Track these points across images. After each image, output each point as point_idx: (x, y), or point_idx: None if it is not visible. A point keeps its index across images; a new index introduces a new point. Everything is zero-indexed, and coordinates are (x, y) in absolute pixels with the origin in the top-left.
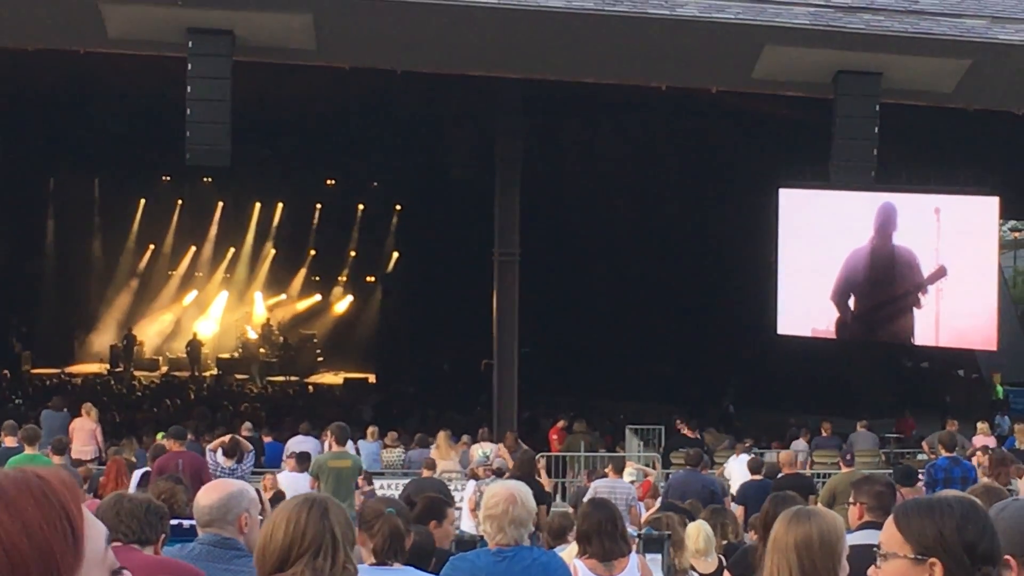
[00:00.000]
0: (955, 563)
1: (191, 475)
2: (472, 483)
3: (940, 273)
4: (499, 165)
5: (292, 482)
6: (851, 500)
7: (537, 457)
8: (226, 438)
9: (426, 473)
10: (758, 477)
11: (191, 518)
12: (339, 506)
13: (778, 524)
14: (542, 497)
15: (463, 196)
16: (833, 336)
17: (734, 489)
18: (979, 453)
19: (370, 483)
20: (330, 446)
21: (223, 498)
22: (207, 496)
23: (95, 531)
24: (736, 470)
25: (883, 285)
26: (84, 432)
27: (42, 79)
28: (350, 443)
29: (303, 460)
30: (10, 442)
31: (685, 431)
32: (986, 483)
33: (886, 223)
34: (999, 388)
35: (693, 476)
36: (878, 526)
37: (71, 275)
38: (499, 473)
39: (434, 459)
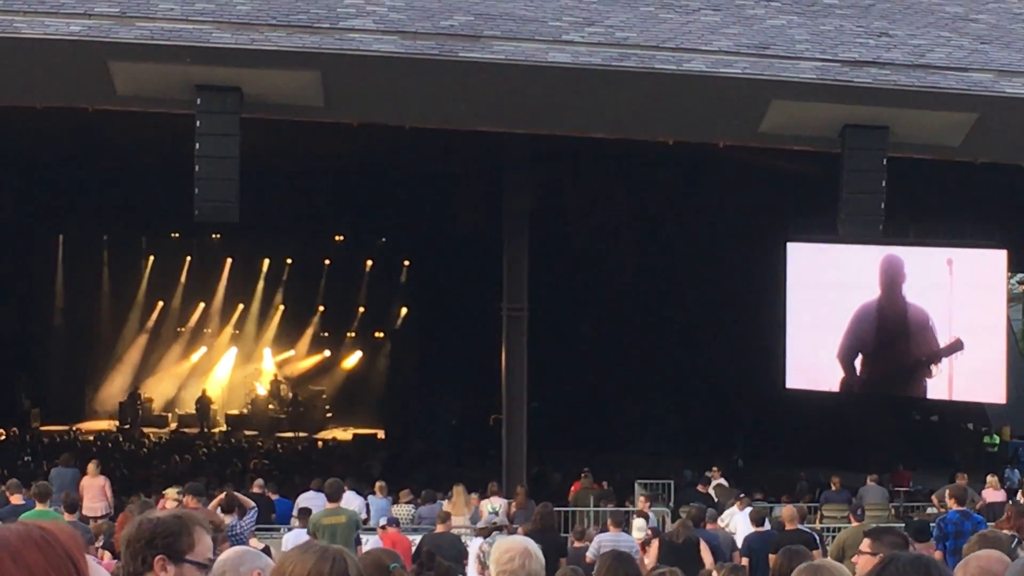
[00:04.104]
0: None
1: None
2: (477, 540)
3: (956, 347)
4: (507, 220)
5: (298, 539)
6: (869, 550)
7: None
8: (222, 495)
9: (440, 528)
10: (761, 529)
11: None
12: (354, 558)
13: None
14: (563, 550)
15: (471, 251)
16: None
17: (739, 541)
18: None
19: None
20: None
21: (240, 553)
22: (224, 552)
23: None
24: (740, 523)
25: (895, 346)
26: (93, 489)
27: (51, 136)
28: (359, 499)
29: (304, 516)
30: (16, 500)
31: (700, 488)
32: (986, 531)
33: (894, 277)
34: (994, 437)
35: (698, 533)
36: None
37: (80, 332)
38: (499, 529)
39: (449, 512)
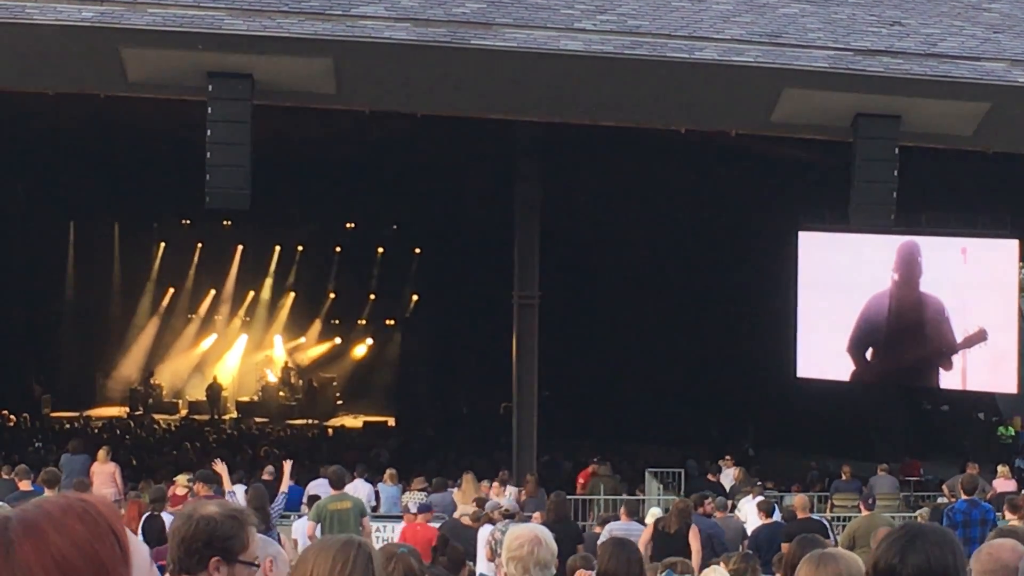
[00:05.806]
0: None
1: None
2: (487, 528)
3: (980, 337)
4: (518, 208)
5: (305, 527)
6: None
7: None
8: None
9: (468, 522)
10: (769, 520)
11: None
12: (375, 549)
13: (804, 566)
14: (579, 538)
15: (482, 239)
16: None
17: (750, 530)
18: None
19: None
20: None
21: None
22: None
23: (140, 548)
24: (752, 513)
25: (909, 336)
26: (103, 475)
27: (62, 123)
28: (369, 487)
29: (314, 503)
30: (24, 486)
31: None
32: (1004, 526)
33: (911, 265)
34: (1009, 429)
35: (696, 520)
36: None
37: (91, 319)
38: (510, 516)
39: (488, 515)
